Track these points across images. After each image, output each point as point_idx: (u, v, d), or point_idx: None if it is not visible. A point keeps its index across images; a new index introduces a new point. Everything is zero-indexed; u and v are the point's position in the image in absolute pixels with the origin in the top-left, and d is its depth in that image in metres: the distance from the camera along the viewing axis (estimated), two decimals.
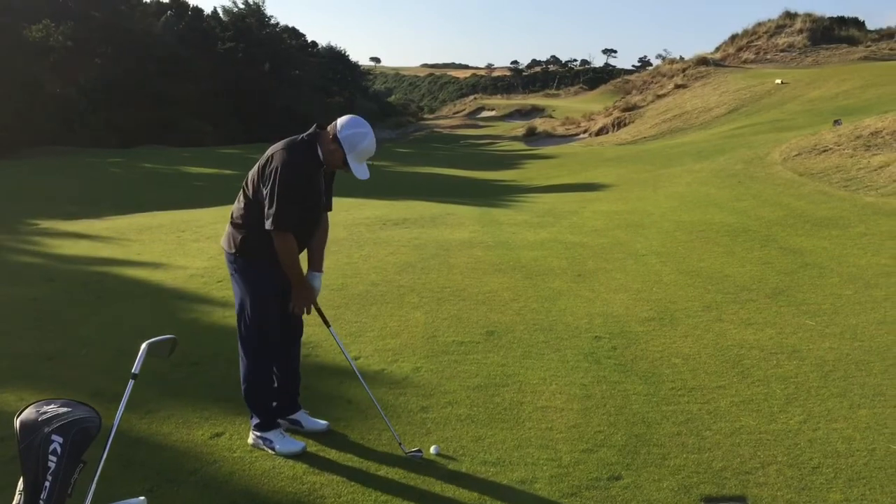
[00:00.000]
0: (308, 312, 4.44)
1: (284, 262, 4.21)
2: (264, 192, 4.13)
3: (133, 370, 3.41)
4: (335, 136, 4.15)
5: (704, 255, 9.06)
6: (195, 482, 3.97)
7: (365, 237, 10.73)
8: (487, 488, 3.92)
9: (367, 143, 4.16)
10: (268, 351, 4.40)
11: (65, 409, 2.88)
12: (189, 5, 58.36)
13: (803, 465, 4.07)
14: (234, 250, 4.33)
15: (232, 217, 4.40)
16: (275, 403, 4.50)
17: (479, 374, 5.43)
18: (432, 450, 4.27)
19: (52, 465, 2.72)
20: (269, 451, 4.30)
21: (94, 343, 6.19)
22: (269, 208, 4.10)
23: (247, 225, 4.29)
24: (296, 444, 4.34)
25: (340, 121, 4.20)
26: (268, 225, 4.11)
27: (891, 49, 41.85)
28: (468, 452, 4.28)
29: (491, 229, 11.50)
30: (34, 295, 7.78)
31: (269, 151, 4.25)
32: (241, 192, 4.37)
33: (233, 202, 4.47)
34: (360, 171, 4.21)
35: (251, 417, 4.43)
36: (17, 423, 2.97)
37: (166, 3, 57.10)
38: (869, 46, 42.91)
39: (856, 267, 8.09)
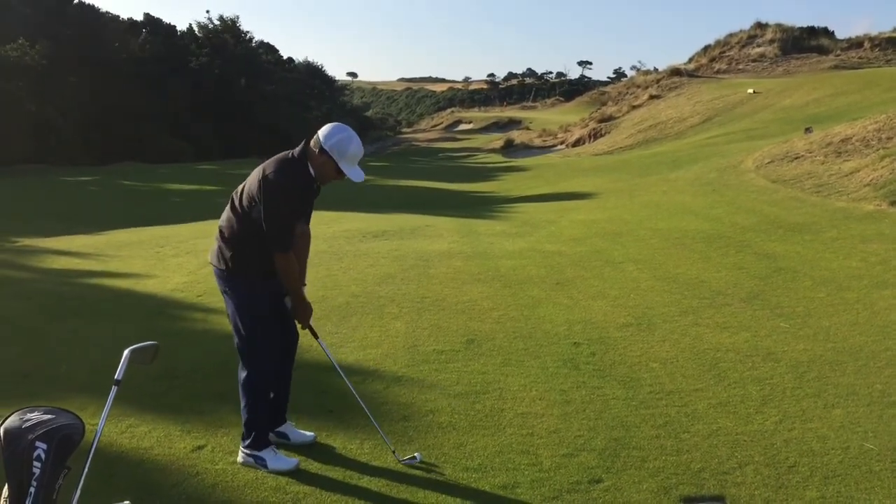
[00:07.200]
0: (305, 327, 4.43)
1: (288, 280, 4.21)
2: (261, 213, 4.08)
3: (116, 376, 3.41)
4: (322, 148, 4.11)
5: (681, 261, 9.17)
6: (177, 495, 3.97)
7: (345, 249, 10.75)
8: (469, 494, 3.95)
9: (355, 145, 4.16)
10: (268, 366, 4.34)
11: (48, 416, 2.89)
12: (163, 23, 58.27)
13: (780, 465, 4.14)
14: (224, 266, 4.25)
15: (221, 232, 4.30)
16: None
17: (459, 382, 5.46)
18: (415, 457, 4.30)
19: (36, 471, 2.72)
20: (262, 468, 4.21)
21: (73, 359, 6.13)
22: (270, 231, 4.07)
23: (238, 239, 4.22)
24: (288, 461, 4.26)
25: (322, 132, 4.16)
26: (272, 248, 4.09)
27: (860, 58, 42.63)
28: (450, 459, 4.31)
29: (470, 240, 11.57)
30: (10, 312, 7.69)
31: (262, 168, 4.18)
32: (230, 206, 4.29)
33: (212, 218, 4.44)
34: (355, 173, 4.19)
35: (244, 436, 4.32)
36: (0, 431, 2.97)
37: (140, 22, 56.99)
38: (839, 55, 43.67)
39: (828, 270, 8.23)
